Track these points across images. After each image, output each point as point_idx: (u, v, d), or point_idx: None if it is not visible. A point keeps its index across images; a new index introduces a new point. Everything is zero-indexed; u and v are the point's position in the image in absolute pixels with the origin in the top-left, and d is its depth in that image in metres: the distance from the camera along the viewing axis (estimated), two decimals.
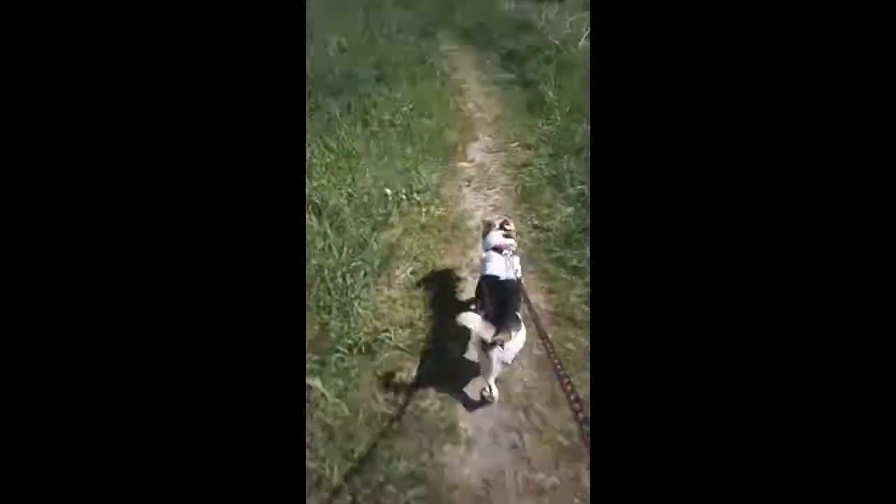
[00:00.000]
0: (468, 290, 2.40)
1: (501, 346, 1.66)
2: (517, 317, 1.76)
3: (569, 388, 0.83)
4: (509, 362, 1.76)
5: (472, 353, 1.98)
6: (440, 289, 2.43)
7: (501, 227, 2.18)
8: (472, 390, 1.87)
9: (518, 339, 1.73)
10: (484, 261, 2.06)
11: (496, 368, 1.72)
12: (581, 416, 0.77)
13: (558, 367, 0.91)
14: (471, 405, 1.83)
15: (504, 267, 1.94)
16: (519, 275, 1.95)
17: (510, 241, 2.10)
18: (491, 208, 3.14)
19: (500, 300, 1.81)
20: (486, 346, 1.67)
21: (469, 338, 1.89)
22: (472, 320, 1.64)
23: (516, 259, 2.02)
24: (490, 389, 1.79)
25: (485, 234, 2.20)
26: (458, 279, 2.52)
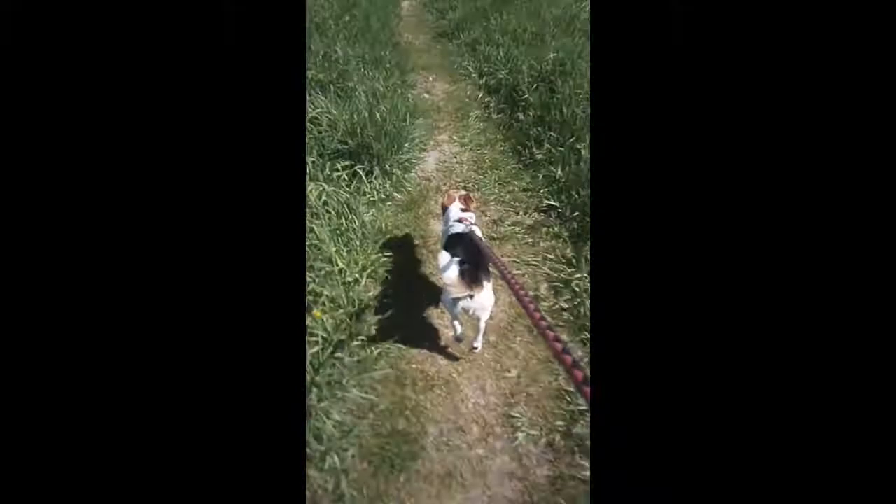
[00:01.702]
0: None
1: (471, 297, 1.79)
2: (488, 269, 1.87)
3: (537, 315, 0.86)
4: (478, 315, 1.89)
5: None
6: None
7: (462, 201, 2.33)
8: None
9: (488, 291, 1.84)
10: (445, 232, 2.20)
11: (460, 316, 1.92)
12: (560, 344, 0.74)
13: (523, 293, 0.97)
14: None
15: (466, 229, 2.08)
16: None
17: (469, 213, 2.25)
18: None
19: (468, 252, 1.88)
20: (455, 300, 1.81)
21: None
22: (449, 263, 1.72)
23: (476, 229, 2.17)
24: (456, 330, 2.02)
25: (444, 209, 2.33)
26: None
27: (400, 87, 4.25)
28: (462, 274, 1.73)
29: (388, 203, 3.08)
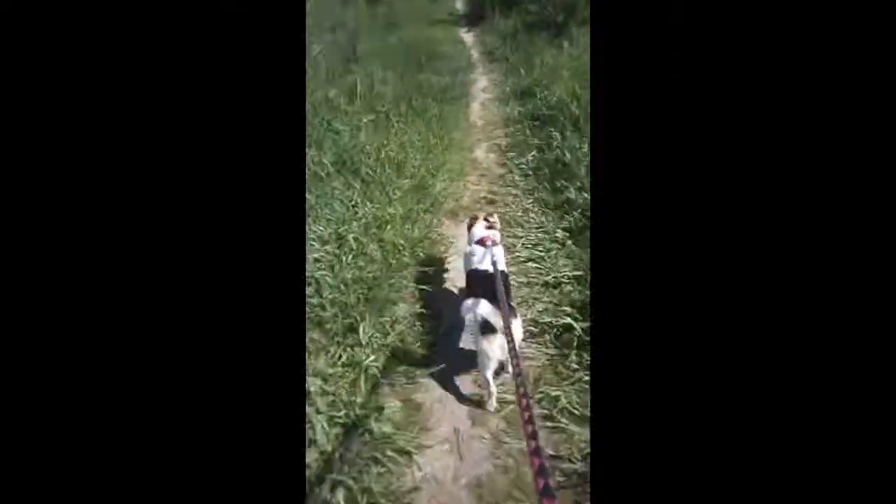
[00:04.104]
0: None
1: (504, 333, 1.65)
2: (511, 305, 1.77)
3: (525, 406, 0.86)
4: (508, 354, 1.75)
5: (468, 341, 2.03)
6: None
7: (485, 220, 2.24)
8: (464, 384, 1.91)
9: (517, 327, 1.73)
10: (469, 255, 2.10)
11: (496, 359, 1.72)
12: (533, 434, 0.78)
13: (518, 377, 0.94)
14: (464, 400, 1.87)
15: (488, 260, 1.95)
16: (502, 267, 1.95)
17: (493, 231, 2.15)
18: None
19: (490, 292, 1.78)
20: (490, 332, 1.68)
21: (466, 326, 1.94)
22: (482, 305, 1.70)
23: (499, 249, 2.05)
24: (489, 386, 1.79)
25: (470, 227, 2.25)
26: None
27: None
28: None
29: None
